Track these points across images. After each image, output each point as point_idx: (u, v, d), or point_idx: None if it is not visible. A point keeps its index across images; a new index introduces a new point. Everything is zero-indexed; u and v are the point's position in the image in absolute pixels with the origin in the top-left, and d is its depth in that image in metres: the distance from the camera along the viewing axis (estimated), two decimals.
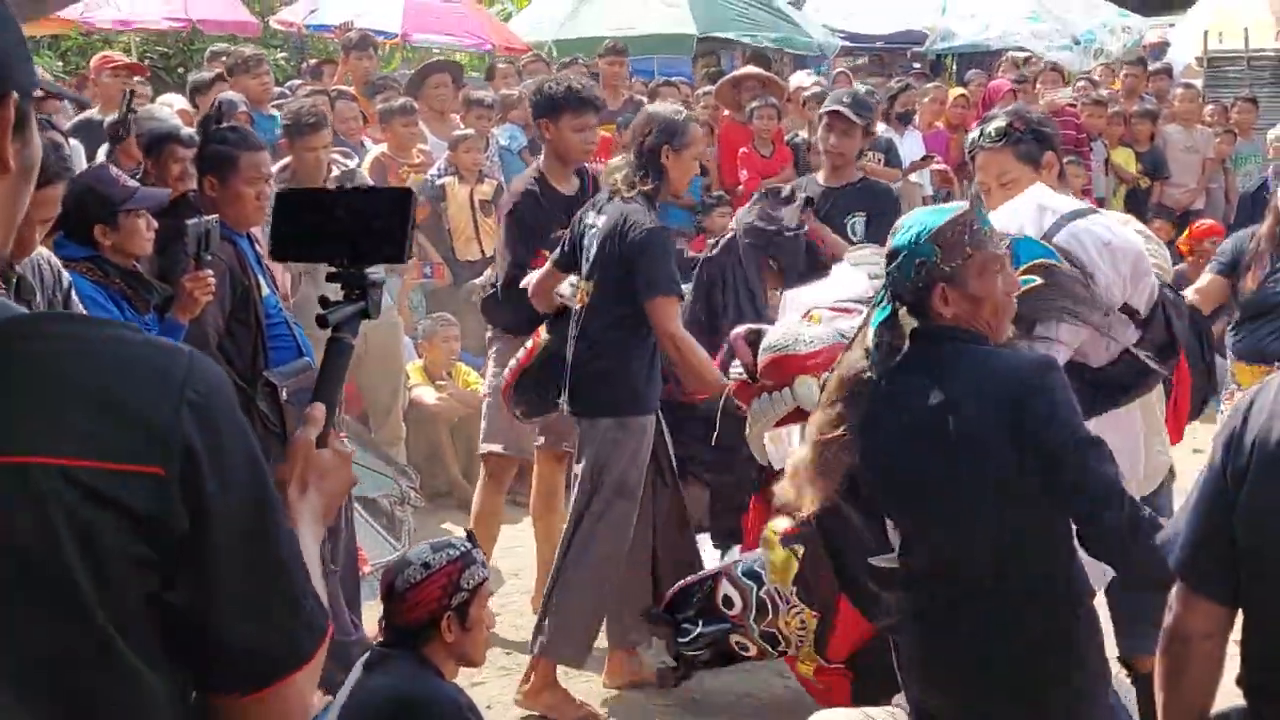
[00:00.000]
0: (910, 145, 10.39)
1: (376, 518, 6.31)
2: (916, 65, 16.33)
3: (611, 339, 4.94)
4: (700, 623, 4.46)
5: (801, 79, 11.81)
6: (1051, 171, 3.93)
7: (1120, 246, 3.59)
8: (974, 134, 4.11)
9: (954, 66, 17.15)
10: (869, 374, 3.06)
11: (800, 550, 4.18)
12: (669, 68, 13.87)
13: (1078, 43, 17.44)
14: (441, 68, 9.95)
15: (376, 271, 2.01)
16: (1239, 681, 2.38)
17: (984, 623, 2.99)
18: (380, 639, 3.46)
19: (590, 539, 4.97)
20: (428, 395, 7.50)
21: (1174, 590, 2.42)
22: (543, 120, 5.64)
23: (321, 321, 1.95)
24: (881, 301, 3.10)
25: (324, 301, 1.98)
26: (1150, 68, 13.13)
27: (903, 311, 3.04)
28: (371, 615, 5.67)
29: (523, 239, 5.64)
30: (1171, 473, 4.06)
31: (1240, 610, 2.36)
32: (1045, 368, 2.94)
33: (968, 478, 2.91)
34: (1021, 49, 15.34)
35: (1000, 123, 3.97)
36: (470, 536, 3.53)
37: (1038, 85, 11.96)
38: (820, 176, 6.23)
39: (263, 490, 1.52)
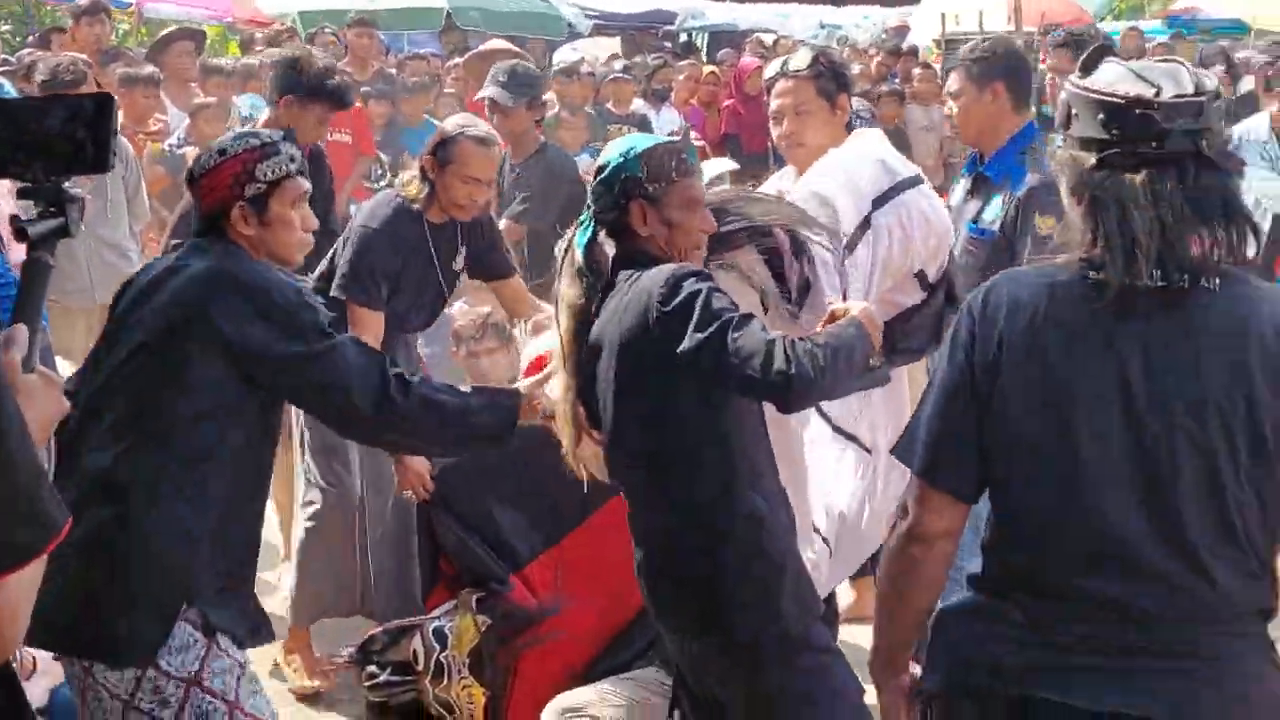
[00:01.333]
0: (666, 121, 10.47)
1: None
2: (667, 44, 16.51)
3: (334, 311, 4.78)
4: (388, 670, 4.26)
5: (566, 54, 11.80)
6: (844, 114, 4.04)
7: (935, 221, 3.77)
8: (775, 65, 4.18)
9: (704, 45, 17.39)
10: (585, 299, 3.11)
11: (483, 622, 4.08)
12: (419, 42, 13.67)
13: (823, 27, 17.92)
14: (185, 34, 9.59)
15: (74, 186, 1.89)
16: (971, 577, 2.40)
17: (676, 554, 3.04)
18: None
19: (309, 507, 4.91)
20: None
21: (909, 492, 2.42)
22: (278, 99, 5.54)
23: (20, 234, 1.82)
24: (585, 223, 3.13)
25: (15, 219, 1.85)
26: (904, 48, 13.52)
27: (603, 234, 3.09)
28: None
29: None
30: None
31: (983, 503, 2.38)
32: (678, 275, 2.92)
33: (625, 394, 3.00)
34: (769, 30, 15.64)
35: (807, 55, 4.09)
36: (287, 134, 3.32)
37: None
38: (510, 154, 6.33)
39: None
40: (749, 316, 2.84)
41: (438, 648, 4.10)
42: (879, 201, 3.63)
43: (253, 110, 8.59)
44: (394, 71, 10.53)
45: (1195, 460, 2.20)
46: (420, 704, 4.17)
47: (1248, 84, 13.96)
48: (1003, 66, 4.45)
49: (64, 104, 1.92)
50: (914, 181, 3.78)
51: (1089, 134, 2.26)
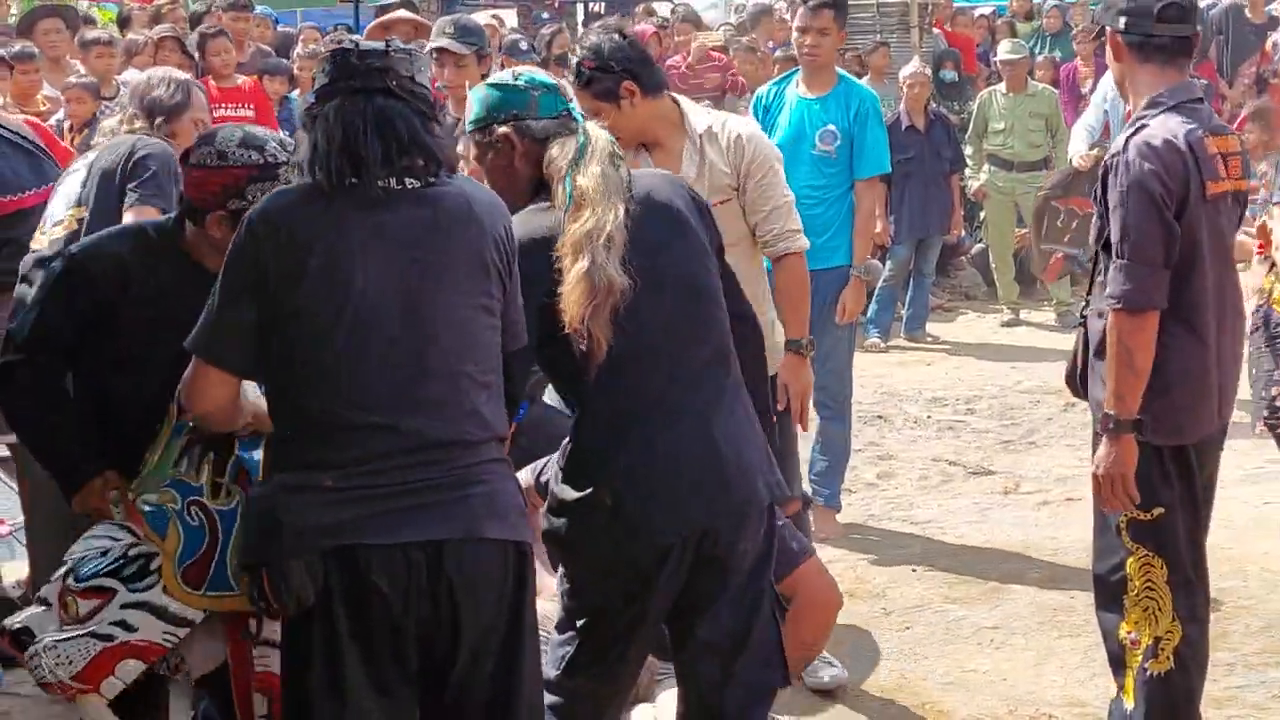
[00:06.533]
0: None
1: (12, 478, 5.86)
2: (545, 16, 16.35)
3: None
4: None
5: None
6: (634, 98, 3.98)
7: None
8: None
9: (583, 13, 17.26)
10: None
11: None
12: (315, 18, 13.43)
13: None
14: (50, 11, 9.15)
15: None
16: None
17: None
18: None
19: None
20: None
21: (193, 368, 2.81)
22: None
23: None
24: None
25: None
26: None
27: None
28: (10, 574, 5.28)
29: None
30: None
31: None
32: None
33: None
34: None
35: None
36: (283, 144, 3.20)
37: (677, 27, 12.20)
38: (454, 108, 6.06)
39: None
40: None
41: None
42: None
43: None
44: (266, 47, 10.23)
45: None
46: None
47: None
48: None
49: None
50: None
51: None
